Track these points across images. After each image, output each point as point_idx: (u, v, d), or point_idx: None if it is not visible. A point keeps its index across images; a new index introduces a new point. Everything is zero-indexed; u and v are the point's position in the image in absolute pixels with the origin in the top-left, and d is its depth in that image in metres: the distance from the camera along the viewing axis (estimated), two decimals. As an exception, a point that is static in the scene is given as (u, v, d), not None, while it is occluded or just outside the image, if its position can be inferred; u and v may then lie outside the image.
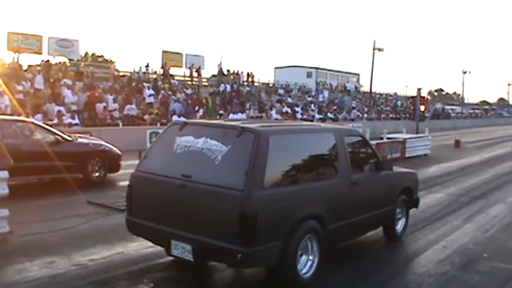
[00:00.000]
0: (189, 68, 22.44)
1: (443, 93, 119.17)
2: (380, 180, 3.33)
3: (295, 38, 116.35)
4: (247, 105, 19.36)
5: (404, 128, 16.82)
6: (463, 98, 64.10)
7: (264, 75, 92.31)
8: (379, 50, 32.95)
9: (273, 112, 18.83)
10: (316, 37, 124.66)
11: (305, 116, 22.11)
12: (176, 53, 21.99)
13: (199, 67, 22.81)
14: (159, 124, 13.85)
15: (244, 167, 2.01)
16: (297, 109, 22.81)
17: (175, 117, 14.25)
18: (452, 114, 43.66)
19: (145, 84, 16.98)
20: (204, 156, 2.14)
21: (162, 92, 16.78)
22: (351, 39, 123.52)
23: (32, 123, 6.68)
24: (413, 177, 4.23)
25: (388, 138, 13.29)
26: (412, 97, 19.62)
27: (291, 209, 2.15)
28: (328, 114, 24.28)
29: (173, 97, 16.68)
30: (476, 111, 57.50)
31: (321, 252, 2.50)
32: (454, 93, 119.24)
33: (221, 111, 16.31)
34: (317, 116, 23.21)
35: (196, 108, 16.21)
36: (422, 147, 14.10)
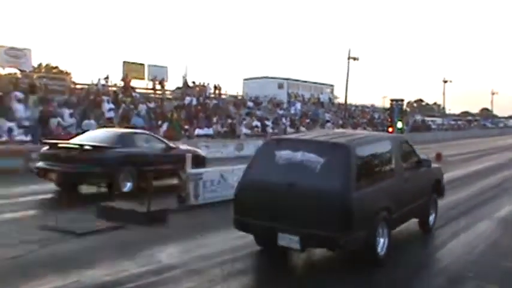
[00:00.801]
0: (152, 79, 22.47)
1: (423, 103, 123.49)
2: (421, 176, 4.74)
3: (265, 47, 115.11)
4: (214, 119, 19.59)
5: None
6: (444, 109, 65.42)
7: (232, 87, 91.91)
8: (354, 59, 33.14)
9: (242, 127, 19.37)
10: (287, 47, 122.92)
11: (276, 131, 22.49)
12: (138, 63, 22.02)
13: (163, 79, 22.78)
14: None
15: (341, 173, 3.01)
16: (268, 123, 23.16)
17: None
18: (433, 126, 44.83)
19: (104, 97, 17.01)
20: (304, 166, 3.22)
21: (123, 105, 16.88)
22: (325, 49, 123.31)
23: (149, 134, 9.32)
24: (440, 171, 5.87)
25: None
26: (388, 109, 20.66)
27: (371, 205, 3.26)
28: (301, 127, 24.62)
29: (135, 111, 16.86)
30: (459, 122, 58.95)
31: (390, 236, 3.71)
32: (435, 103, 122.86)
33: (186, 126, 16.39)
34: (289, 129, 23.47)
35: (160, 122, 16.37)
36: None
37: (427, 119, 52.06)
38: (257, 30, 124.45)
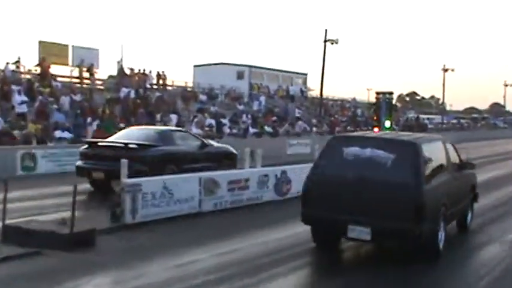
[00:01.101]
0: (78, 65, 21.67)
1: (418, 97, 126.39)
2: (464, 177, 6.19)
3: (222, 27, 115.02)
4: (157, 116, 18.99)
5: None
6: (443, 104, 65.00)
7: (180, 76, 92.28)
8: (333, 42, 31.99)
9: (192, 127, 18.89)
10: (250, 27, 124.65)
11: (235, 130, 22.44)
12: (59, 44, 21.26)
13: (92, 64, 21.95)
14: (35, 142, 13.51)
15: (413, 168, 4.02)
16: (224, 121, 22.86)
17: (58, 133, 14.19)
18: (430, 126, 44.40)
19: (14, 87, 16.32)
20: (374, 161, 4.23)
21: (40, 97, 16.28)
22: (297, 30, 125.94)
23: (185, 131, 12.21)
24: (475, 176, 7.24)
25: None
26: (374, 104, 20.42)
27: (436, 198, 4.32)
28: (266, 127, 24.63)
29: (55, 105, 16.35)
30: (462, 121, 58.47)
31: (446, 230, 4.96)
32: (432, 97, 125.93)
33: (122, 124, 15.75)
34: (251, 129, 23.46)
35: (89, 120, 15.98)
36: None
37: (422, 116, 53.05)
38: (212, 7, 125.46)
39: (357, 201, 5.34)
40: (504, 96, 73.26)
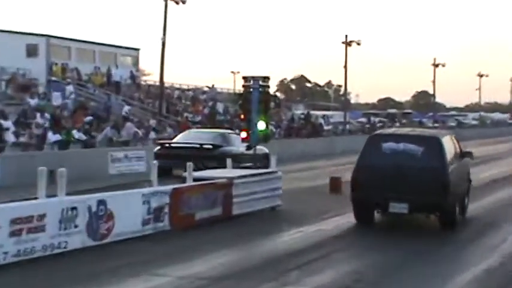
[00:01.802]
0: None
1: (309, 85, 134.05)
2: (464, 164, 14.19)
3: None
4: None
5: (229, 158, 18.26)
6: (346, 95, 67.82)
7: None
8: (178, 1, 33.16)
9: None
10: None
11: (23, 139, 22.45)
12: None
13: None
14: None
15: (438, 156, 11.73)
16: (6, 123, 22.65)
17: None
18: (327, 127, 48.48)
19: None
20: (408, 152, 11.91)
21: None
22: None
23: (235, 133, 22.63)
24: (469, 164, 15.00)
25: (195, 180, 14.62)
26: (240, 95, 20.59)
27: (454, 180, 11.77)
28: (75, 132, 24.83)
29: None
30: (374, 119, 64.36)
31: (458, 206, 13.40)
32: (329, 84, 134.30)
33: None
34: (51, 137, 23.49)
35: None
36: (267, 193, 16.55)
37: (315, 113, 57.09)
38: None
39: (395, 184, 12.12)
40: (433, 81, 78.23)
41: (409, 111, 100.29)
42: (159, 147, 23.13)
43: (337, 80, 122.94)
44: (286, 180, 18.16)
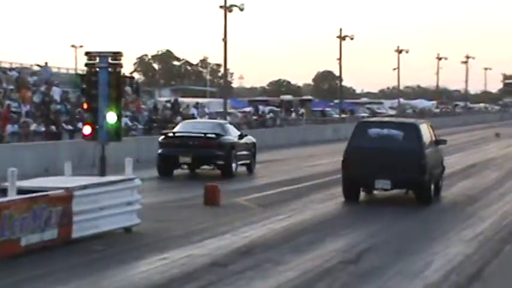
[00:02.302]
0: None
1: (176, 63, 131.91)
2: (438, 151, 24.54)
3: None
4: None
5: (69, 161, 17.84)
6: (225, 76, 71.87)
7: None
8: None
9: None
10: None
11: None
12: None
13: None
14: None
15: (416, 140, 21.44)
16: None
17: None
18: (200, 120, 48.94)
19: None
20: (391, 137, 21.76)
21: None
22: None
23: (231, 123, 38.65)
24: (443, 152, 26.09)
25: (20, 192, 14.31)
26: (83, 76, 20.56)
27: (430, 161, 21.56)
28: None
29: None
30: (264, 108, 68.95)
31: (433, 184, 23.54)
32: (205, 62, 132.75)
33: None
34: None
35: None
36: (121, 209, 16.65)
37: (185, 101, 58.94)
38: None
39: (380, 164, 20.78)
40: (339, 59, 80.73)
41: (309, 97, 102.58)
42: (163, 137, 30.55)
43: (215, 57, 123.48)
44: (147, 191, 18.09)
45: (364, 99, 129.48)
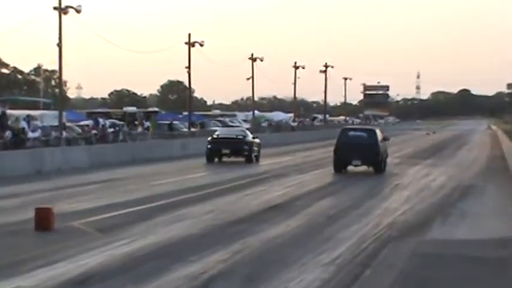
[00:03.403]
0: None
1: (5, 71, 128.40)
2: (385, 143, 54.33)
3: None
4: None
5: None
6: (60, 85, 76.27)
7: None
8: None
9: None
10: None
11: None
12: None
13: None
14: None
15: (375, 138, 50.83)
16: None
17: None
18: (33, 134, 50.50)
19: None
20: (362, 137, 51.77)
21: None
22: None
23: (246, 129, 79.54)
24: (388, 145, 59.14)
25: None
26: None
27: (382, 150, 50.89)
28: None
29: None
30: (105, 121, 67.94)
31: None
32: (38, 69, 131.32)
33: None
34: None
35: None
36: None
37: (14, 113, 57.29)
38: None
39: (355, 151, 48.30)
40: (188, 68, 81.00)
41: (155, 109, 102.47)
42: (211, 138, 56.88)
43: (50, 65, 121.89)
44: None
45: (216, 111, 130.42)
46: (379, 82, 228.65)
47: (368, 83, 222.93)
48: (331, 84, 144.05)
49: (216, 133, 60.39)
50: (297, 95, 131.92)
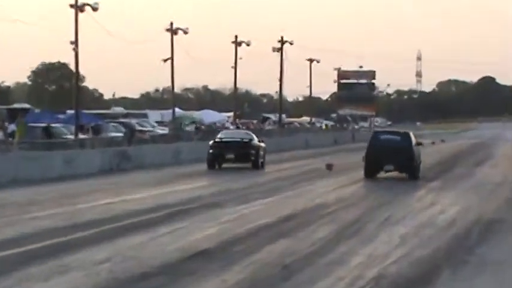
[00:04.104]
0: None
1: None
2: (419, 149, 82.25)
3: None
4: None
5: None
6: None
7: None
8: None
9: None
10: None
11: None
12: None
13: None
14: None
15: (409, 141, 77.05)
16: None
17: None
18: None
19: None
20: (395, 140, 79.00)
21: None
22: None
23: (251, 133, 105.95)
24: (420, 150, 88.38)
25: None
26: None
27: (416, 155, 75.87)
28: None
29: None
30: None
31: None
32: None
33: None
34: None
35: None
36: None
37: None
38: None
39: (388, 156, 71.98)
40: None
41: (25, 106, 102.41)
42: (213, 142, 77.77)
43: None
44: None
45: (118, 109, 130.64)
46: (361, 67, 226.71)
47: (345, 68, 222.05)
48: (290, 69, 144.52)
49: (219, 136, 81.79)
50: (239, 86, 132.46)
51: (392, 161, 67.40)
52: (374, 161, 67.74)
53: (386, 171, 66.68)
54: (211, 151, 76.32)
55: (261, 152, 78.96)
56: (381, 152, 67.62)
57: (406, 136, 71.79)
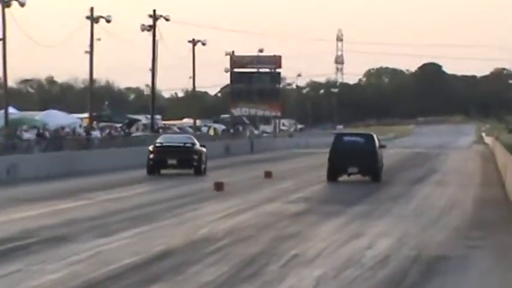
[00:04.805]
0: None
1: None
2: (381, 151, 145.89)
3: None
4: None
5: None
6: None
7: None
8: None
9: None
10: None
11: None
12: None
13: None
14: None
15: (373, 144, 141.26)
16: None
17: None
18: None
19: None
20: (359, 142, 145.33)
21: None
22: None
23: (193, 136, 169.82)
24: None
25: None
26: None
27: (380, 156, 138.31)
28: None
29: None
30: None
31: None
32: None
33: None
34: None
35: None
36: None
37: None
38: None
39: (351, 157, 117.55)
40: None
41: None
42: (153, 147, 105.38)
43: None
44: None
45: None
46: (261, 50, 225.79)
47: (240, 53, 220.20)
48: (166, 54, 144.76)
49: (159, 140, 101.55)
50: (96, 77, 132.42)
51: (356, 164, 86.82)
52: (338, 163, 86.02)
53: (350, 174, 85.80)
54: (151, 156, 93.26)
55: (203, 158, 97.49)
56: (344, 155, 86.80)
57: (370, 138, 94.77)
